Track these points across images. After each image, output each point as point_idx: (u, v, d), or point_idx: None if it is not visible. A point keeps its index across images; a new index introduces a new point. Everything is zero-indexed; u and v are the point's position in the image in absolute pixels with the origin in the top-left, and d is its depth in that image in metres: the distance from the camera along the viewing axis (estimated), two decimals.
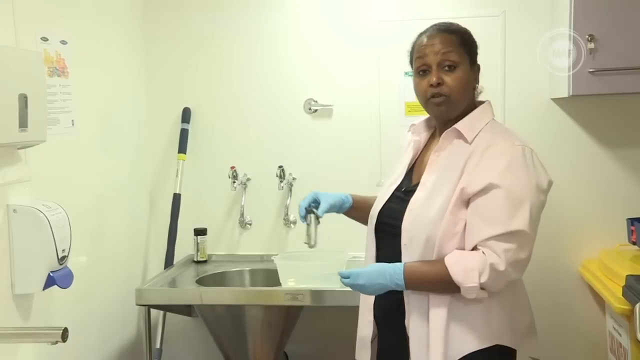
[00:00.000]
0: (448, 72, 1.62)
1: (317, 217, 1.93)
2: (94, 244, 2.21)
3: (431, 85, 1.62)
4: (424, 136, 1.79)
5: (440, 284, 1.56)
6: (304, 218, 1.93)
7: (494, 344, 1.58)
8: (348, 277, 1.66)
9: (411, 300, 1.63)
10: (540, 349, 1.72)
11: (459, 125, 1.64)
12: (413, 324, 1.62)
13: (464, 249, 1.57)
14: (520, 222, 1.51)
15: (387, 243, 1.69)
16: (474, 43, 1.69)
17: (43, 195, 1.74)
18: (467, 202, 1.57)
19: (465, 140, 1.62)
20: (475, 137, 1.62)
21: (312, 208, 1.94)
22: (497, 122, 1.70)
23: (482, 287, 1.53)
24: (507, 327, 1.61)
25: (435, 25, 1.70)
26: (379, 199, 1.79)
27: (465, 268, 1.52)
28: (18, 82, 1.54)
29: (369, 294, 1.69)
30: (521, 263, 1.55)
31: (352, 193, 1.97)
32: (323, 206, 1.90)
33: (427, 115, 1.79)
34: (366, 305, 1.79)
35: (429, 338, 1.58)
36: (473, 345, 1.57)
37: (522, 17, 2.48)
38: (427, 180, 1.65)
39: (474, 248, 1.55)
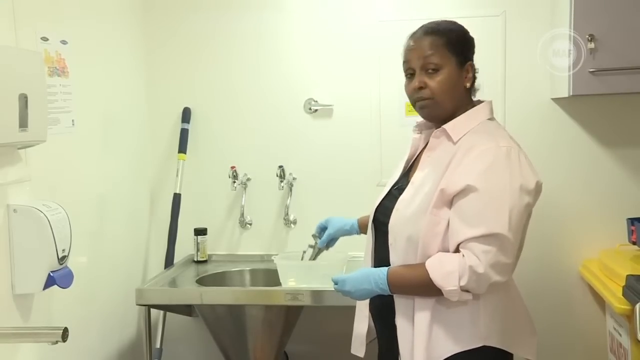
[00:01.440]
0: (431, 75, 1.63)
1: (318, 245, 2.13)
2: (94, 243, 2.21)
3: (414, 89, 1.64)
4: (425, 133, 1.79)
5: (422, 287, 1.56)
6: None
7: (480, 345, 1.57)
8: (337, 283, 1.69)
9: (398, 303, 1.64)
10: (538, 350, 1.71)
11: (447, 125, 1.64)
12: (400, 325, 1.63)
13: (448, 250, 1.56)
14: (498, 225, 1.50)
15: (382, 240, 1.70)
16: (464, 42, 1.68)
17: (43, 195, 1.75)
18: (449, 203, 1.56)
19: (452, 141, 1.62)
20: (461, 137, 1.61)
21: (317, 235, 2.13)
22: (491, 123, 1.67)
23: (465, 290, 1.52)
24: (496, 329, 1.59)
25: (422, 26, 1.70)
26: (378, 196, 1.80)
27: (444, 271, 1.51)
28: (18, 82, 1.54)
29: (357, 299, 1.72)
30: (503, 266, 1.53)
31: (360, 217, 2.05)
32: (323, 238, 2.10)
33: None
34: (362, 301, 1.81)
35: (413, 340, 1.59)
36: (457, 346, 1.57)
37: (523, 17, 2.48)
38: (415, 180, 1.66)
39: (457, 249, 1.54)
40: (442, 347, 1.57)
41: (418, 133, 1.80)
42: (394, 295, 1.64)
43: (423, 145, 1.79)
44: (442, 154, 1.62)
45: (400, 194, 1.68)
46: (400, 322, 1.63)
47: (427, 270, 1.53)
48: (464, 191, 1.52)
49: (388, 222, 1.66)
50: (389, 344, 1.71)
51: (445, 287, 1.51)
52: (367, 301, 1.79)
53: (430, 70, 1.63)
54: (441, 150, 1.64)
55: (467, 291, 1.52)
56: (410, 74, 1.68)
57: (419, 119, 1.81)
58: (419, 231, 1.57)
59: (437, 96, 1.63)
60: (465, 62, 1.66)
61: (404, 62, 1.70)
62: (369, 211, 1.83)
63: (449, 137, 1.63)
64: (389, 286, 1.60)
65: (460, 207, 1.54)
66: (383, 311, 1.71)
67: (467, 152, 1.57)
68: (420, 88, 1.63)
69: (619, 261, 2.23)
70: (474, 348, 1.57)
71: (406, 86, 1.70)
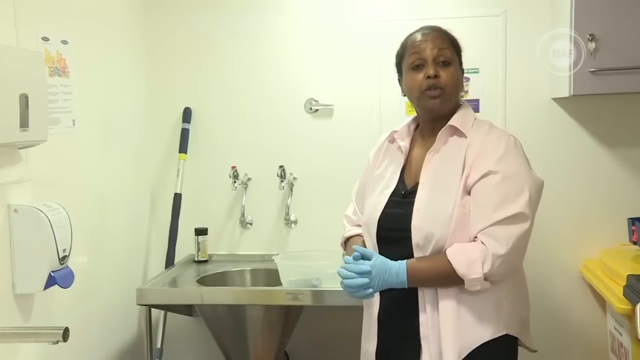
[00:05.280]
0: (443, 67, 1.66)
1: None
2: (94, 243, 2.21)
3: (428, 77, 1.65)
4: (407, 141, 1.79)
5: (443, 278, 1.56)
6: None
7: (503, 333, 1.60)
8: (370, 258, 1.60)
9: (425, 295, 1.61)
10: (538, 349, 1.75)
11: (453, 122, 1.67)
12: (426, 321, 1.61)
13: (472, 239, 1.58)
14: (520, 205, 1.55)
15: (391, 249, 1.66)
16: (460, 48, 1.74)
17: (44, 195, 1.75)
18: (469, 191, 1.60)
19: (461, 134, 1.66)
20: (469, 131, 1.67)
21: None
22: (480, 119, 1.75)
23: (486, 278, 1.54)
24: (515, 317, 1.64)
25: (425, 26, 1.74)
26: (374, 207, 1.74)
27: (468, 259, 1.53)
28: (19, 82, 1.54)
29: (375, 290, 1.62)
30: (522, 249, 1.59)
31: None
32: None
33: (404, 121, 1.83)
34: (370, 315, 1.76)
35: (440, 332, 1.58)
36: (486, 334, 1.58)
37: (523, 17, 2.48)
38: (426, 180, 1.66)
39: (476, 237, 1.57)
40: (473, 335, 1.58)
41: (402, 140, 1.79)
42: (419, 291, 1.62)
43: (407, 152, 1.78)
44: (452, 151, 1.65)
45: (408, 198, 1.67)
46: (427, 317, 1.61)
47: (448, 260, 1.54)
48: (485, 176, 1.57)
49: (403, 227, 1.63)
50: (400, 349, 1.70)
51: (469, 276, 1.52)
52: (375, 319, 1.73)
53: (440, 63, 1.66)
54: (448, 147, 1.67)
55: (486, 279, 1.54)
56: (417, 65, 1.68)
57: (400, 124, 1.83)
58: (450, 228, 1.58)
59: (448, 88, 1.66)
60: (461, 65, 1.74)
61: (413, 53, 1.69)
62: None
63: (453, 134, 1.67)
64: (407, 277, 1.57)
65: (480, 192, 1.58)
66: (396, 315, 1.69)
67: (482, 140, 1.63)
68: (436, 76, 1.64)
69: (620, 261, 2.23)
70: (498, 337, 1.59)
71: (412, 78, 1.69)
